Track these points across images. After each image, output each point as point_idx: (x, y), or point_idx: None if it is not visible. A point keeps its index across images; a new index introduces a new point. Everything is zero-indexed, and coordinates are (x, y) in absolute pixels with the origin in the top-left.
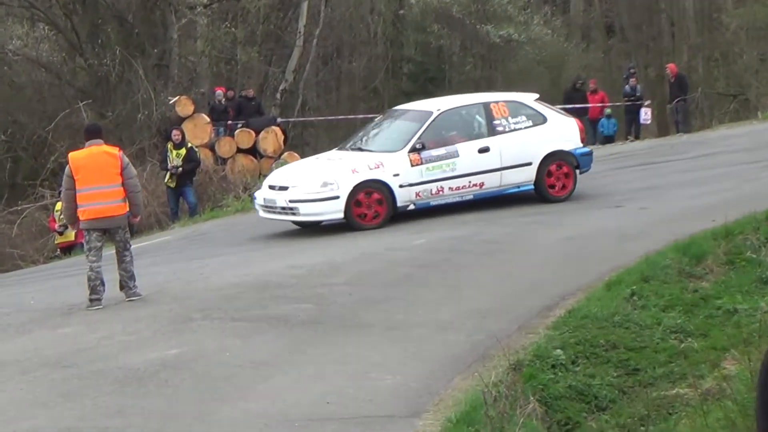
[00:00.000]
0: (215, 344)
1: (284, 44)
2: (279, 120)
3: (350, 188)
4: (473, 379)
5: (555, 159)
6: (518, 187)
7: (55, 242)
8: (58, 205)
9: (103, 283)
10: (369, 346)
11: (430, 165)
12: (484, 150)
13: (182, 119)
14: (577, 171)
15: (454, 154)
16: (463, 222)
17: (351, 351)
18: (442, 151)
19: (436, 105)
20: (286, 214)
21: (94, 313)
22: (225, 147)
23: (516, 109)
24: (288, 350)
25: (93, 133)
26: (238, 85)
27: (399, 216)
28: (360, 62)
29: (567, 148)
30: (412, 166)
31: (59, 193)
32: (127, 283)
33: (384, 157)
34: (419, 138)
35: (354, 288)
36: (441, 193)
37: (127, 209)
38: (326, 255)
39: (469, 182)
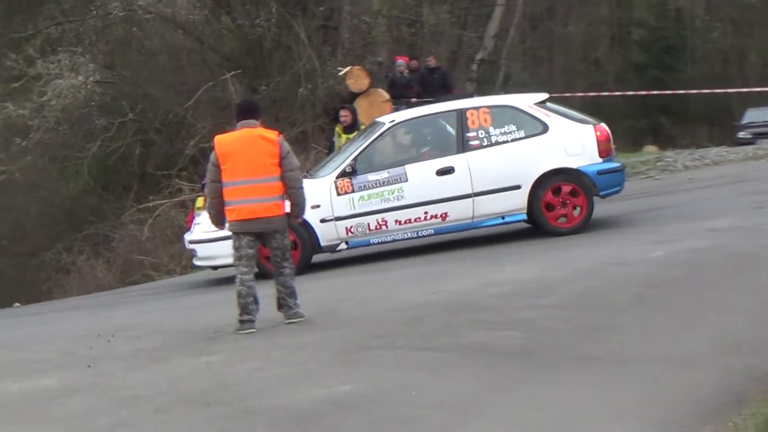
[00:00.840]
0: (397, 380)
1: (482, 2)
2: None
3: None
4: (726, 430)
5: (556, 180)
6: (502, 217)
7: None
8: (200, 201)
9: (256, 301)
10: (591, 384)
11: (364, 193)
12: (445, 171)
13: (354, 95)
14: (594, 194)
15: (401, 178)
16: (710, 230)
17: (568, 391)
18: (383, 174)
19: (392, 117)
20: (193, 257)
21: (245, 338)
22: None
23: (504, 116)
24: (488, 389)
25: (247, 111)
26: (424, 54)
27: (628, 222)
28: (578, 26)
29: (575, 164)
30: (339, 194)
31: (201, 186)
32: (286, 301)
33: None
34: (354, 158)
35: (571, 312)
36: (384, 227)
37: (287, 209)
38: (535, 270)
39: (425, 213)
